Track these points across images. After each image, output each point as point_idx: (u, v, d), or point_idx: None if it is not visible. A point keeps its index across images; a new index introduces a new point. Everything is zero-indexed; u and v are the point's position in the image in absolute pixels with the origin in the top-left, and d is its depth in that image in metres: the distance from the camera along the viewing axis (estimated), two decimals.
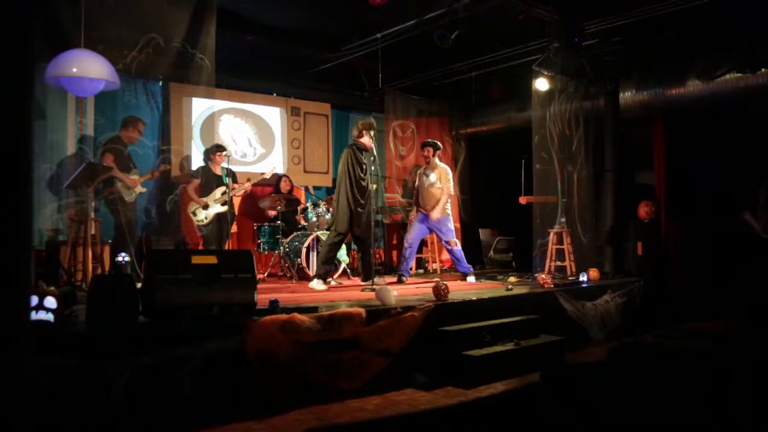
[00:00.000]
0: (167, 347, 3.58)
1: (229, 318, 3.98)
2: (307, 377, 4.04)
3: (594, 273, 7.12)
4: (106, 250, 6.45)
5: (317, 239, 7.28)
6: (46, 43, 5.35)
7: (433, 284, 5.31)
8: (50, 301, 3.48)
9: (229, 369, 3.76)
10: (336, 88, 9.79)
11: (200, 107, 8.32)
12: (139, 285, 4.03)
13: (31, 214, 1.38)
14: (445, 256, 9.53)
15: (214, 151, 7.37)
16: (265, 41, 7.94)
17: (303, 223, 7.67)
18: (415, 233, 7.20)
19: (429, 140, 7.42)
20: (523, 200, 7.75)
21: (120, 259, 6.10)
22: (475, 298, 5.50)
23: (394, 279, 7.07)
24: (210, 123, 8.39)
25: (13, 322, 1.31)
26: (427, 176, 7.10)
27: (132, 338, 3.57)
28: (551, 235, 7.60)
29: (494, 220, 9.99)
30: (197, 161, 7.81)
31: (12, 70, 1.34)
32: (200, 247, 7.22)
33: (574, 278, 7.15)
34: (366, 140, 6.46)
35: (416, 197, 7.27)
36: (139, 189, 6.74)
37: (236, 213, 8.52)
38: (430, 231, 7.30)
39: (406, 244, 7.22)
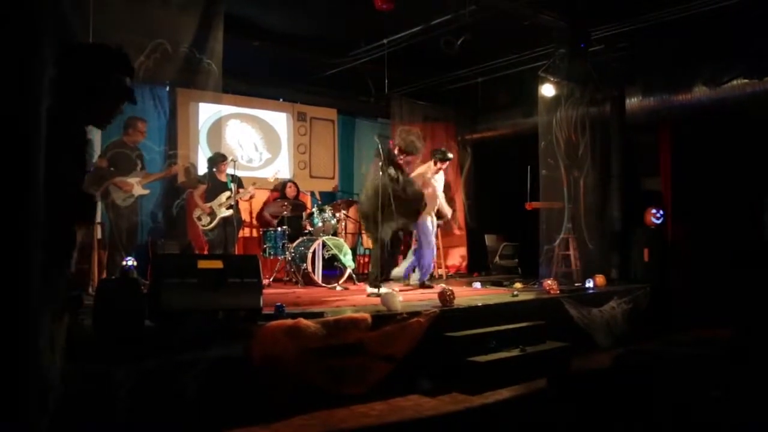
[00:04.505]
0: (173, 352, 3.58)
1: (235, 323, 3.98)
2: (312, 382, 4.04)
3: (600, 279, 7.10)
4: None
5: (323, 244, 7.28)
6: (52, 49, 5.36)
7: (438, 290, 5.31)
8: None
9: (234, 374, 3.77)
10: (342, 93, 9.81)
11: (207, 112, 8.35)
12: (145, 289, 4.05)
13: (39, 217, 1.39)
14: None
15: (219, 161, 7.38)
16: (272, 47, 7.97)
17: (309, 228, 7.68)
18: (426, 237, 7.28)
19: (447, 153, 7.30)
20: (529, 206, 7.74)
21: (126, 263, 6.12)
22: (480, 304, 5.48)
23: (402, 285, 7.09)
24: (217, 128, 8.42)
25: (20, 323, 1.32)
26: (437, 182, 7.22)
27: (138, 342, 3.58)
28: (557, 240, 7.58)
29: (500, 226, 9.97)
30: (204, 166, 7.84)
31: (22, 74, 1.35)
32: (206, 252, 7.24)
33: (580, 284, 7.13)
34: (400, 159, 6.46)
35: (426, 204, 7.24)
36: (140, 191, 6.58)
37: (249, 218, 8.56)
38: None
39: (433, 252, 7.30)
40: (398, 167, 6.35)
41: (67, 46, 2.17)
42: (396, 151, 6.43)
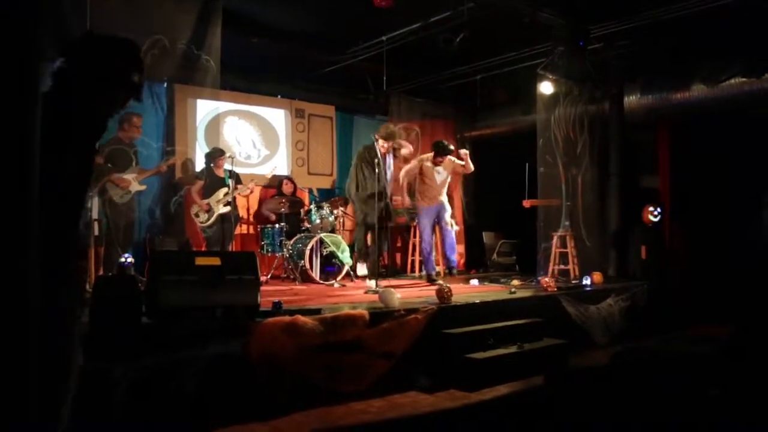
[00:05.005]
0: (171, 349, 3.58)
1: (233, 320, 3.98)
2: (310, 379, 4.04)
3: (598, 276, 7.11)
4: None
5: (321, 241, 7.27)
6: (52, 44, 5.35)
7: (436, 287, 5.31)
8: None
9: (232, 371, 3.76)
10: (341, 90, 9.79)
11: (205, 109, 8.33)
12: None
13: (36, 216, 1.38)
14: None
15: (217, 155, 7.36)
16: (270, 43, 7.94)
17: (307, 225, 7.67)
18: (430, 230, 7.28)
19: (447, 147, 7.26)
20: (527, 203, 7.74)
21: (123, 260, 6.11)
22: (478, 301, 5.49)
23: (399, 281, 7.10)
24: (215, 124, 8.40)
25: (19, 322, 1.31)
26: (439, 173, 7.18)
27: (135, 340, 3.58)
28: (555, 238, 7.59)
29: (498, 223, 9.98)
30: (201, 163, 7.83)
31: (18, 71, 1.34)
32: (204, 249, 7.22)
33: (577, 282, 7.14)
34: (380, 145, 6.71)
35: (425, 193, 7.23)
36: (137, 187, 6.54)
37: (246, 215, 8.55)
38: (436, 218, 7.31)
39: (427, 247, 7.27)
40: (383, 156, 6.65)
41: (78, 37, 2.14)
42: (377, 142, 6.71)
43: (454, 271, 7.25)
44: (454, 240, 7.34)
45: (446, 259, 7.33)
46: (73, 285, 2.11)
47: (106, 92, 2.11)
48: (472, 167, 7.29)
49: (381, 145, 6.72)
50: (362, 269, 6.66)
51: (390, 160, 6.95)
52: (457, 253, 7.48)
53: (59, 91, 2.01)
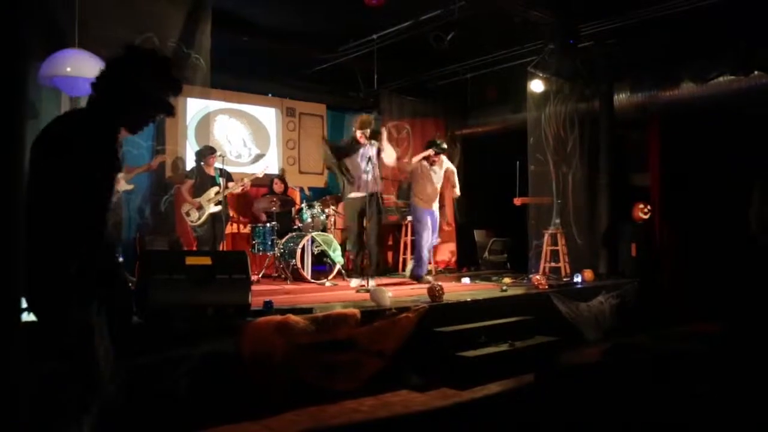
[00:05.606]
0: (161, 348, 3.56)
1: (224, 319, 3.97)
2: (302, 378, 4.04)
3: (588, 274, 7.13)
4: None
5: (312, 240, 7.26)
6: (40, 42, 5.32)
7: (428, 285, 5.31)
8: None
9: (224, 370, 3.75)
10: (331, 88, 9.78)
11: (195, 107, 8.30)
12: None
13: (23, 215, 1.37)
14: (440, 257, 9.54)
15: (207, 153, 7.33)
16: (261, 41, 7.92)
17: (298, 224, 7.66)
18: (428, 232, 7.27)
19: (442, 145, 7.27)
20: (517, 201, 7.76)
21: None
22: (469, 299, 5.50)
23: (392, 280, 7.10)
24: (205, 123, 8.37)
25: (4, 323, 1.30)
26: (435, 173, 7.20)
27: (126, 339, 3.55)
28: (546, 236, 7.61)
29: (489, 221, 10.00)
30: (192, 162, 7.79)
31: (4, 69, 1.33)
32: (194, 248, 7.20)
33: (568, 279, 7.16)
34: (358, 136, 6.70)
35: (421, 193, 7.23)
36: (125, 186, 6.51)
37: (236, 214, 8.52)
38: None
39: (424, 249, 7.27)
40: (357, 142, 6.69)
41: (124, 49, 2.19)
42: (357, 134, 6.71)
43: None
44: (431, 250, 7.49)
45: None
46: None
47: (138, 107, 2.15)
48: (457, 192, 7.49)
49: (359, 136, 6.68)
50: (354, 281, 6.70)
51: (373, 152, 6.67)
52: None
53: (96, 99, 2.07)
